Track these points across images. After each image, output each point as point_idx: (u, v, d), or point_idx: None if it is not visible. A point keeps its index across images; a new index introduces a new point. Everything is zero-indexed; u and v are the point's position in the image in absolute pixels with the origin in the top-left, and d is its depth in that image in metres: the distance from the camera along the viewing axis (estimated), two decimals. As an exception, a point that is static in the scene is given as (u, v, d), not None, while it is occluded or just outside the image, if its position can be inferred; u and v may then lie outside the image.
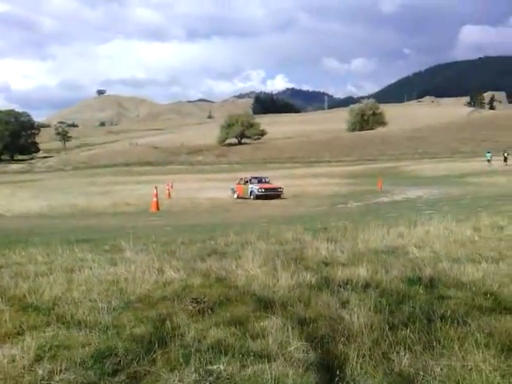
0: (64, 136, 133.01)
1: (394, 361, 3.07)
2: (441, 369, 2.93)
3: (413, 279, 5.01)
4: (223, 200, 25.03)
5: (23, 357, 3.27)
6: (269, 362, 3.10)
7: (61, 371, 3.08)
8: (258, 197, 26.66)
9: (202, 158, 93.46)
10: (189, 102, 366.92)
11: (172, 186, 29.53)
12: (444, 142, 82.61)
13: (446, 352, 3.15)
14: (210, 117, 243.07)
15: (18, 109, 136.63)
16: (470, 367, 2.93)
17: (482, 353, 3.06)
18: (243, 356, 3.20)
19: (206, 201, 24.59)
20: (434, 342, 3.30)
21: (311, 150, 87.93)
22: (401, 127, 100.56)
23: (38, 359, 3.27)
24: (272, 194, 27.41)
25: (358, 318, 3.72)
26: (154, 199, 20.39)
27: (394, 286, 4.75)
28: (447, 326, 3.54)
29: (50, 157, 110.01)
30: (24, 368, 3.13)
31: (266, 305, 4.24)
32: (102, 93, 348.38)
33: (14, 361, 3.22)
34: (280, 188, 28.12)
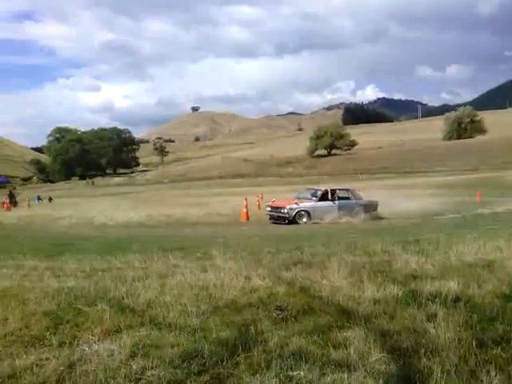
0: (161, 151, 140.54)
1: (482, 380, 2.93)
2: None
3: (509, 295, 4.71)
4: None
5: (120, 352, 3.57)
6: (349, 371, 3.10)
7: (152, 368, 3.32)
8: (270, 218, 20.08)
9: (291, 169, 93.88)
10: (278, 115, 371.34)
11: (262, 198, 29.97)
12: (554, 149, 75.77)
13: (545, 375, 2.95)
14: (299, 129, 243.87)
15: (120, 126, 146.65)
16: None
17: None
18: (323, 364, 3.24)
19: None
20: (531, 364, 3.10)
21: (404, 160, 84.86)
22: (503, 134, 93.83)
23: (133, 355, 3.54)
24: (276, 216, 19.41)
25: (444, 332, 3.60)
26: (244, 210, 20.90)
27: (488, 301, 4.50)
28: (546, 347, 3.30)
29: (149, 170, 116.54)
30: (121, 362, 3.42)
31: (349, 316, 4.22)
32: (196, 109, 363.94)
33: (112, 355, 3.53)
34: (284, 208, 18.86)
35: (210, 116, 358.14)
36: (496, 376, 2.94)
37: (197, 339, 3.83)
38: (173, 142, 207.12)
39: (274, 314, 4.36)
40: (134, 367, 3.33)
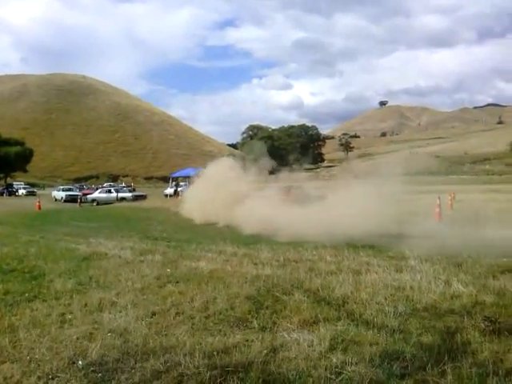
0: (346, 146, 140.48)
1: None
2: None
3: None
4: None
5: (320, 344, 3.63)
6: None
7: (352, 364, 3.29)
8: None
9: (488, 167, 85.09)
10: (475, 107, 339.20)
11: (454, 197, 27.77)
12: None
13: None
14: (499, 122, 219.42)
15: (308, 123, 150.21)
16: None
17: None
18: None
19: (493, 214, 22.26)
20: None
21: None
22: None
23: (332, 349, 3.58)
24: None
25: None
26: (437, 210, 19.61)
27: None
28: None
29: (334, 166, 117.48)
30: (321, 354, 3.47)
31: None
32: (384, 104, 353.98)
33: (312, 345, 3.61)
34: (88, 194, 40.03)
35: (397, 110, 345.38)
36: None
37: (396, 340, 3.69)
38: (358, 137, 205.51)
39: (483, 325, 3.97)
40: (334, 361, 3.35)
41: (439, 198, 19.76)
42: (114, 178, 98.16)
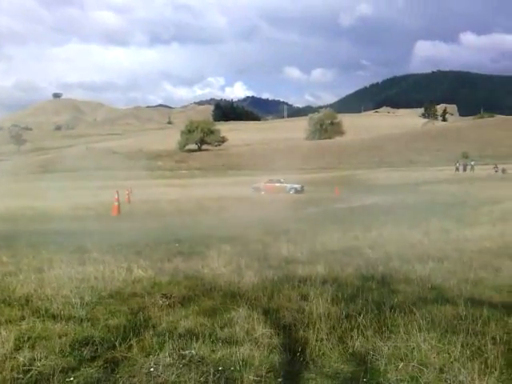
0: (18, 139, 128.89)
1: (348, 343, 3.46)
2: (388, 348, 3.34)
3: (366, 276, 5.46)
4: (186, 204, 25.07)
5: (3, 347, 3.45)
6: (237, 346, 3.42)
7: (41, 358, 3.29)
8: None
9: (161, 163, 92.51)
10: (148, 107, 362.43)
11: (131, 191, 29.24)
12: (400, 151, 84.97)
13: (393, 335, 3.57)
14: (169, 122, 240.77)
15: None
16: (412, 347, 3.34)
17: (424, 335, 3.48)
18: (213, 342, 3.51)
19: (167, 205, 24.56)
20: (383, 328, 3.71)
21: (271, 158, 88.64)
22: (358, 137, 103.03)
23: (18, 348, 3.46)
24: None
25: (316, 308, 4.10)
26: (116, 203, 20.29)
27: (350, 281, 5.18)
28: (395, 315, 3.96)
29: (2, 160, 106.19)
30: (5, 356, 3.31)
31: (232, 299, 4.56)
32: (58, 96, 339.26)
33: (-6, 350, 3.40)
34: None
35: (73, 103, 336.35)
36: (358, 339, 3.49)
37: (85, 328, 3.85)
38: (30, 129, 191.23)
39: (160, 302, 4.53)
40: (21, 359, 3.27)
41: (117, 192, 20.55)
42: None
